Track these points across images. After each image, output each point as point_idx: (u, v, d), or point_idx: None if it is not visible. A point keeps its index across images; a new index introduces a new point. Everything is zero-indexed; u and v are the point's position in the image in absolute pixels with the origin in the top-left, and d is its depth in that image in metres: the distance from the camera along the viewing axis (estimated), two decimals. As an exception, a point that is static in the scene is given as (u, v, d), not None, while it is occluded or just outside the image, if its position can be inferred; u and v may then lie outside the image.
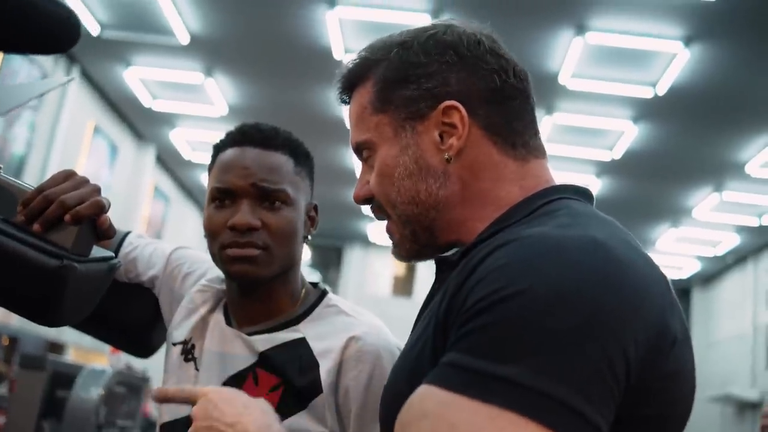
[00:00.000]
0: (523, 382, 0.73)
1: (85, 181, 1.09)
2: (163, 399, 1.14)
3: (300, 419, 1.34)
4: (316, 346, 1.39)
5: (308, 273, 15.97)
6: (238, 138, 1.44)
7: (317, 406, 1.35)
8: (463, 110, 1.00)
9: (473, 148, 1.01)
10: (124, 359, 6.59)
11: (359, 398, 1.34)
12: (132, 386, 3.38)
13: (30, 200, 1.05)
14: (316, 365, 1.37)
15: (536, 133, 1.07)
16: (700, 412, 14.17)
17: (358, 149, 1.09)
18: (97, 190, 1.09)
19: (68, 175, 1.09)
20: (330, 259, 16.81)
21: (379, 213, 1.09)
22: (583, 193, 1.03)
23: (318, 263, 17.24)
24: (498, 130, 1.02)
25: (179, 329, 1.52)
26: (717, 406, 14.28)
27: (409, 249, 1.07)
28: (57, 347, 9.36)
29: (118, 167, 11.59)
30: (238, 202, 1.39)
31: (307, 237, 1.49)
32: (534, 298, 0.76)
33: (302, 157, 1.48)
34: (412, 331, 1.04)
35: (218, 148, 1.47)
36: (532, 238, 0.84)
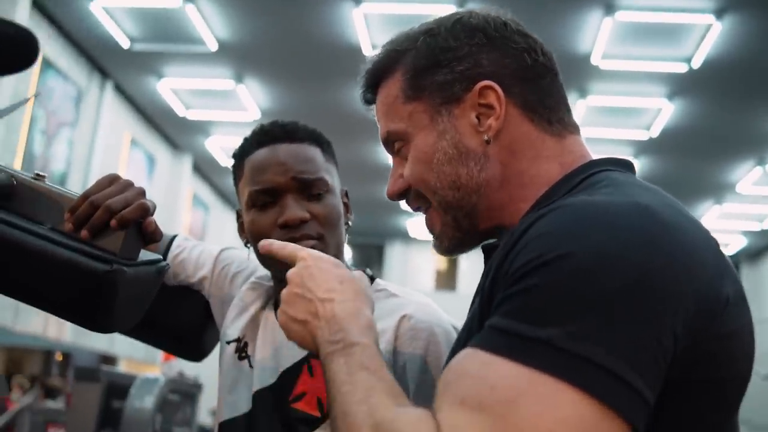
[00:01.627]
0: (563, 345, 0.73)
1: (129, 185, 1.11)
2: (268, 251, 1.11)
3: None
4: None
5: (350, 271, 16.05)
6: (262, 138, 1.44)
7: None
8: (499, 89, 0.99)
9: (511, 128, 1.00)
10: (177, 367, 6.67)
11: (416, 375, 1.33)
12: (186, 393, 3.43)
13: (76, 207, 1.07)
14: None
15: (568, 109, 1.06)
16: (754, 390, 13.80)
17: (389, 141, 1.08)
18: (141, 192, 1.10)
19: (113, 180, 1.11)
20: (371, 257, 16.83)
21: (418, 202, 1.08)
22: (624, 164, 1.02)
23: (359, 262, 17.27)
24: (533, 107, 1.01)
25: (232, 328, 1.53)
26: (772, 382, 14.05)
27: (451, 238, 1.06)
28: (109, 360, 9.49)
29: (156, 178, 11.73)
30: (281, 200, 1.39)
31: (348, 223, 1.49)
32: (577, 262, 0.76)
33: (326, 146, 1.48)
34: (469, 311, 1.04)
35: (242, 155, 1.47)
36: (574, 206, 0.83)
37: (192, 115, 10.77)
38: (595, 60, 8.32)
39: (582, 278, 0.75)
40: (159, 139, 11.80)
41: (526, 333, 0.75)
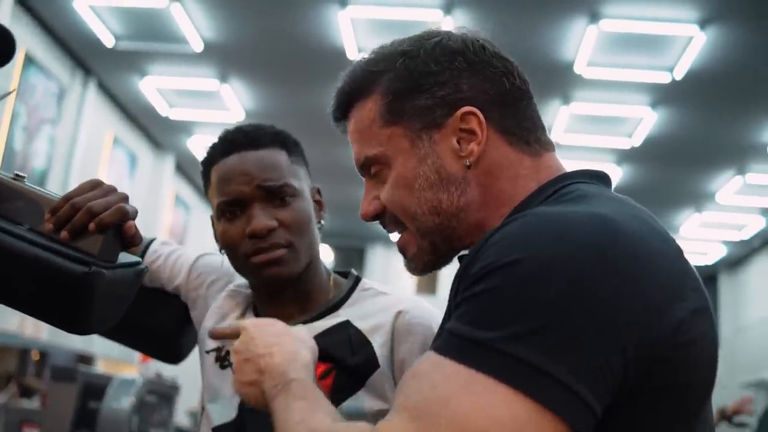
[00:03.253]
0: (501, 347, 0.75)
1: (112, 190, 1.11)
2: (216, 338, 1.18)
3: (358, 399, 1.34)
4: (363, 325, 1.40)
5: (331, 274, 16.04)
6: (226, 147, 1.43)
7: (375, 383, 1.35)
8: (481, 115, 1.00)
9: (491, 151, 1.01)
10: (154, 368, 6.63)
11: None
12: (163, 395, 3.41)
13: (58, 208, 1.07)
14: (368, 343, 1.38)
15: (543, 129, 1.08)
16: (733, 398, 14.02)
17: (365, 165, 1.08)
18: (123, 197, 1.10)
19: (95, 184, 1.11)
20: (352, 260, 16.81)
21: (394, 226, 1.08)
22: (596, 176, 1.03)
23: (341, 264, 17.26)
24: (512, 130, 1.03)
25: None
26: (751, 391, 14.14)
27: (426, 261, 1.07)
28: (86, 359, 9.43)
29: (138, 177, 11.67)
30: (248, 209, 1.39)
31: (320, 222, 1.49)
32: (524, 267, 0.78)
33: (293, 147, 1.47)
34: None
35: (209, 163, 1.46)
36: (533, 215, 0.86)
37: (175, 114, 10.72)
38: (579, 68, 8.36)
39: (526, 284, 0.77)
40: (141, 138, 11.74)
41: (470, 335, 0.78)
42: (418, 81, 1.03)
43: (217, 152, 1.44)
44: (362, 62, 1.10)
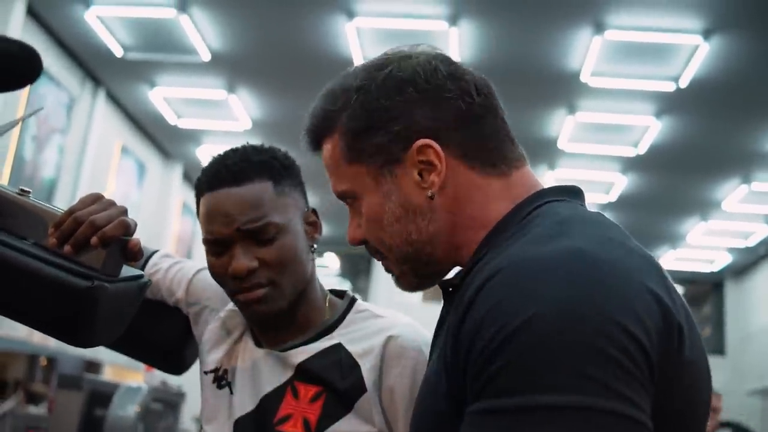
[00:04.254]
0: (567, 404, 0.73)
1: (112, 203, 1.12)
2: None
3: (346, 423, 1.33)
4: (354, 348, 1.39)
5: (338, 282, 15.93)
6: (211, 181, 1.40)
7: (362, 407, 1.34)
8: (437, 146, 0.99)
9: (454, 179, 1.00)
10: (159, 376, 6.63)
11: (407, 394, 1.33)
12: (168, 402, 3.41)
13: (61, 222, 1.08)
14: (357, 366, 1.36)
15: (512, 142, 1.05)
16: (740, 405, 13.94)
17: (342, 197, 1.08)
18: (124, 211, 1.11)
19: (96, 198, 1.12)
20: (359, 268, 16.80)
21: (376, 255, 1.08)
22: (569, 192, 1.02)
23: (347, 272, 17.24)
24: (475, 154, 1.01)
25: (210, 356, 1.52)
26: (757, 399, 14.07)
27: (410, 282, 1.07)
28: (94, 366, 9.45)
29: (146, 186, 11.69)
30: (231, 248, 1.37)
31: (313, 246, 1.47)
32: (542, 323, 0.76)
33: (281, 173, 1.43)
34: (431, 349, 1.05)
35: (198, 192, 1.44)
36: (514, 265, 0.83)
37: (183, 124, 10.75)
38: (585, 77, 8.36)
39: (552, 336, 0.75)
40: (150, 148, 11.77)
41: (527, 403, 0.74)
42: (372, 118, 1.01)
43: (203, 184, 1.42)
44: (323, 99, 1.09)
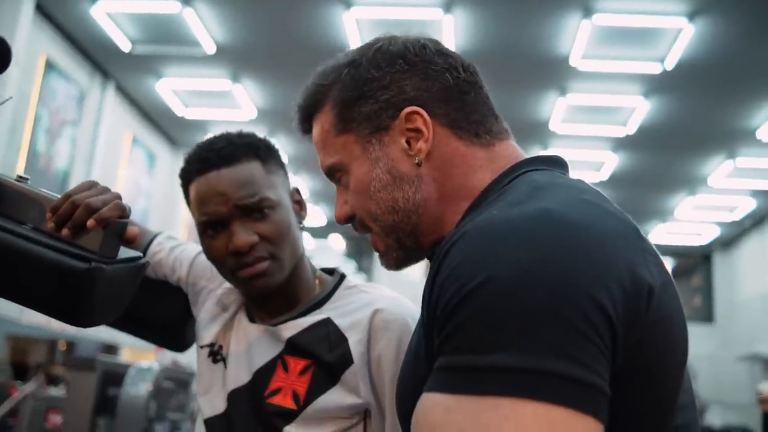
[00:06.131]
0: (511, 365, 0.71)
1: (107, 189, 1.13)
2: None
3: (332, 394, 1.34)
4: (341, 322, 1.39)
5: (343, 262, 15.95)
6: (200, 166, 1.40)
7: (349, 379, 1.34)
8: (425, 113, 0.99)
9: (440, 147, 1.00)
10: (171, 356, 6.65)
11: (392, 365, 1.33)
12: (179, 381, 3.42)
13: (58, 206, 1.08)
14: (345, 339, 1.37)
15: (496, 118, 1.05)
16: (729, 370, 14.04)
17: (330, 173, 1.08)
18: (118, 195, 1.12)
19: (92, 184, 1.14)
20: (363, 248, 16.82)
21: (362, 229, 1.08)
22: (551, 161, 1.01)
23: (353, 252, 17.26)
24: (460, 124, 1.01)
25: (206, 332, 1.52)
26: (745, 364, 14.11)
27: (396, 257, 1.06)
28: (112, 349, 9.47)
29: (156, 175, 11.69)
30: (229, 226, 1.37)
31: (301, 222, 1.47)
32: (497, 284, 0.74)
33: (266, 154, 1.44)
34: None
35: (186, 180, 1.43)
36: (478, 228, 0.81)
37: (190, 114, 10.72)
38: (574, 61, 8.31)
39: (506, 298, 0.74)
40: (159, 137, 11.76)
41: (475, 363, 0.73)
42: (362, 88, 1.02)
43: (192, 170, 1.42)
44: (315, 77, 1.10)
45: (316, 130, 1.09)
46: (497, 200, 0.91)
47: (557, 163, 1.02)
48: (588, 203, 0.85)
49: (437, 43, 1.05)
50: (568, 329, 0.72)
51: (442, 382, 0.76)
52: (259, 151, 1.43)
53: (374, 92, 1.02)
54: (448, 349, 0.76)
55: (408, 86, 1.01)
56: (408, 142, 1.00)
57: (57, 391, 4.29)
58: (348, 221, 1.09)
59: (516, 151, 1.04)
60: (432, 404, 0.76)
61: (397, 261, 1.07)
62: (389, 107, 1.01)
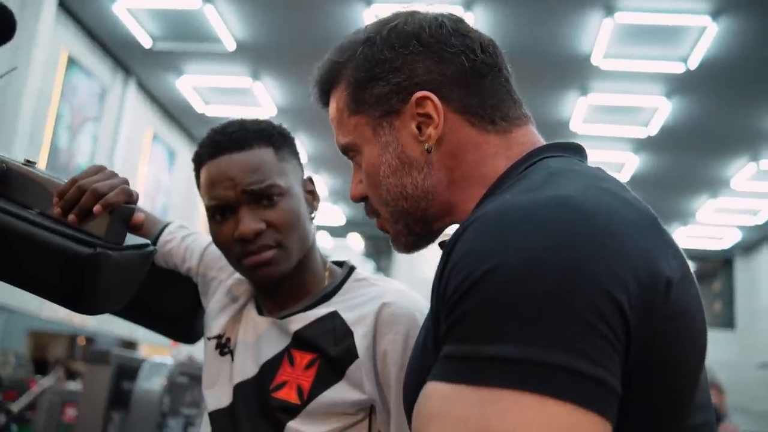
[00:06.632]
0: (515, 356, 0.67)
1: (114, 174, 1.10)
2: None
3: (337, 390, 1.30)
4: (348, 316, 1.35)
5: (362, 262, 16.01)
6: (212, 150, 1.37)
7: (353, 373, 1.30)
8: (435, 99, 0.95)
9: (452, 134, 0.96)
10: (185, 351, 6.65)
11: (398, 360, 1.29)
12: (194, 376, 3.40)
13: (65, 191, 1.06)
14: (350, 333, 1.33)
15: (515, 102, 1.00)
16: (750, 378, 13.86)
17: (344, 151, 1.05)
18: (125, 180, 1.09)
19: (99, 169, 1.11)
20: (381, 248, 16.82)
21: (372, 214, 1.05)
22: (567, 148, 0.96)
23: (372, 252, 17.26)
24: (474, 110, 0.97)
25: (214, 322, 1.49)
26: (766, 371, 13.94)
27: (405, 242, 1.03)
28: (130, 345, 9.53)
29: (176, 171, 11.73)
30: (236, 212, 1.34)
31: (313, 213, 1.43)
32: (505, 272, 0.71)
33: (279, 140, 1.41)
34: None
35: (197, 164, 1.41)
36: (490, 215, 0.78)
37: (211, 111, 10.76)
38: (596, 60, 8.25)
39: (513, 286, 0.70)
40: (180, 134, 11.80)
41: (477, 353, 0.70)
42: (375, 69, 0.99)
43: (204, 154, 1.39)
44: (332, 53, 1.07)
45: (332, 106, 1.06)
46: (512, 187, 0.88)
47: (575, 150, 0.97)
48: (606, 191, 0.81)
49: (457, 22, 1.01)
50: (577, 321, 0.68)
51: (445, 370, 0.73)
52: (272, 137, 1.40)
53: (386, 74, 0.98)
54: (453, 337, 0.74)
55: (420, 69, 0.97)
56: (419, 128, 0.97)
57: (74, 386, 4.31)
58: (362, 200, 1.06)
59: (534, 136, 1.00)
60: (432, 393, 0.73)
61: (407, 245, 1.04)
62: (400, 91, 0.97)
